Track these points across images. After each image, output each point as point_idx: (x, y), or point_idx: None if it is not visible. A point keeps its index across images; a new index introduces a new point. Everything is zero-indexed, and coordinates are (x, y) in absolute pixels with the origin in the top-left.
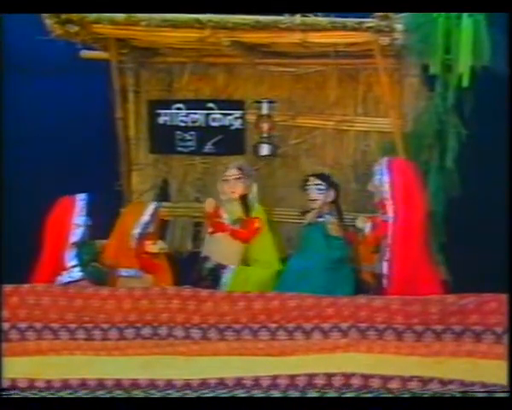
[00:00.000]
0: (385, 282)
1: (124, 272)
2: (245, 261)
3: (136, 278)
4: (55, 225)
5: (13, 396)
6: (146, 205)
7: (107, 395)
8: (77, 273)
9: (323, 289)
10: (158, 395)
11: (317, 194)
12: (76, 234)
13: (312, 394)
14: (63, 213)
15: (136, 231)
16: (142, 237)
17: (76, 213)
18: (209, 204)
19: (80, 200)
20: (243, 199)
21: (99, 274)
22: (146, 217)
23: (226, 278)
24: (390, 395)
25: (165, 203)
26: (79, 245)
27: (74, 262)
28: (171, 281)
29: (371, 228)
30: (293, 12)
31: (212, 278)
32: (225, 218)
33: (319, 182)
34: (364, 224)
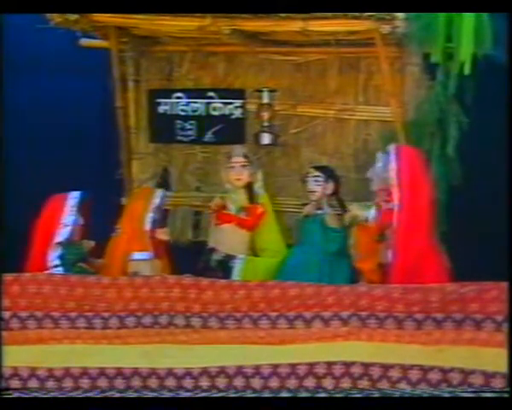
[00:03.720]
0: (389, 270)
1: (137, 255)
2: (253, 251)
3: (147, 262)
4: (45, 223)
5: (13, 396)
6: (154, 190)
7: (104, 395)
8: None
9: (320, 282)
10: (158, 384)
11: (315, 185)
12: (62, 234)
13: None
14: (53, 211)
15: (150, 214)
16: (156, 221)
17: (65, 212)
18: (215, 204)
19: (72, 198)
20: (248, 187)
21: (85, 275)
22: (157, 200)
23: (237, 268)
24: (391, 396)
25: (168, 194)
26: (64, 245)
27: (56, 262)
28: (171, 269)
29: (376, 216)
30: (293, 12)
31: (222, 269)
32: (230, 208)
33: (317, 174)
34: (363, 211)
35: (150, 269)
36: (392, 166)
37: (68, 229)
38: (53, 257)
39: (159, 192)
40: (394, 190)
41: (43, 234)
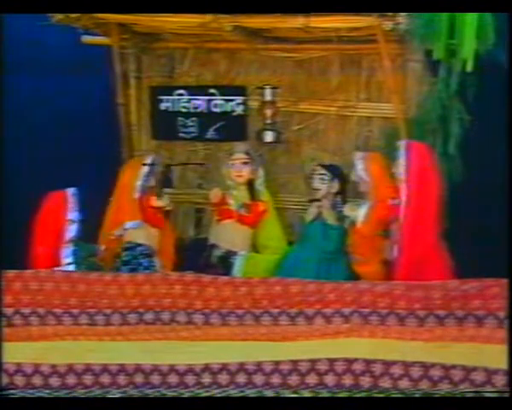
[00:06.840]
0: (394, 266)
1: (128, 224)
2: (254, 248)
3: (139, 229)
4: (47, 220)
5: (13, 396)
6: (143, 158)
7: (106, 395)
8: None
9: (318, 279)
10: (161, 380)
11: (320, 184)
12: (71, 230)
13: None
14: (55, 208)
15: (139, 182)
16: (145, 189)
17: (69, 209)
18: (214, 194)
19: (71, 194)
20: (250, 184)
21: (95, 269)
22: (145, 168)
23: (237, 264)
24: (393, 396)
25: (167, 190)
26: (75, 242)
27: (70, 260)
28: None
29: (369, 214)
30: (295, 12)
31: (223, 265)
32: (231, 204)
33: (323, 172)
34: (352, 212)
35: (145, 238)
36: (402, 161)
37: (75, 225)
38: (66, 255)
39: (148, 158)
40: (402, 186)
41: (48, 231)
